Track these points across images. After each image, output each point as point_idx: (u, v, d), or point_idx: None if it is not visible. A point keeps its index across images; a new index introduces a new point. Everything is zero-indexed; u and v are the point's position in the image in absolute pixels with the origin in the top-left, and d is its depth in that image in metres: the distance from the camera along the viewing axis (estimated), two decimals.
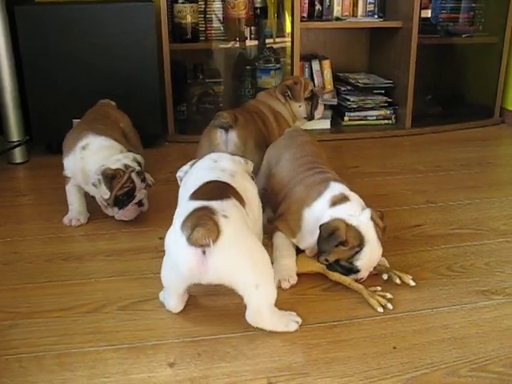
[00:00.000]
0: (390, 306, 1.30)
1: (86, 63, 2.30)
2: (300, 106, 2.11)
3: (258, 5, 2.75)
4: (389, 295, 1.33)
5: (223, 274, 1.13)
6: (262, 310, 1.17)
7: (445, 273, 1.44)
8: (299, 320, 1.23)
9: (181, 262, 1.13)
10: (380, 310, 1.29)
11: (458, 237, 1.64)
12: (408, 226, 1.71)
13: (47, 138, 2.42)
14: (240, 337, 1.19)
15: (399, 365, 1.10)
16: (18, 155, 2.34)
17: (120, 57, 2.32)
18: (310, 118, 2.15)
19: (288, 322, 1.22)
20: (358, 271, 1.34)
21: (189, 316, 1.26)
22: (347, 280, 1.37)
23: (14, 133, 2.30)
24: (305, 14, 2.70)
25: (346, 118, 2.76)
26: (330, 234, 1.30)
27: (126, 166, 1.65)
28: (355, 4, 2.79)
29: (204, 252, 1.09)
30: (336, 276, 1.39)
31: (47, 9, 2.29)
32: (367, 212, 1.34)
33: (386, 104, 2.78)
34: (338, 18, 2.74)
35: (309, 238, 1.40)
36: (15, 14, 2.21)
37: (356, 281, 1.36)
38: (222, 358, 1.12)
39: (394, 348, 1.15)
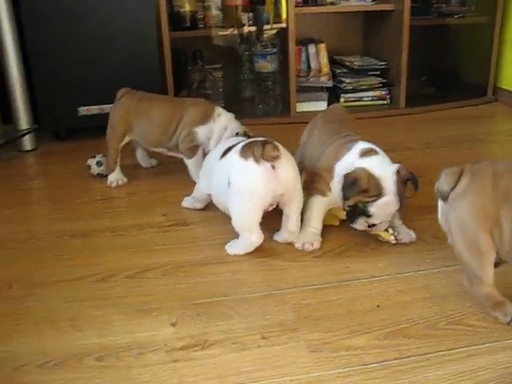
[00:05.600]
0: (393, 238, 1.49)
1: (88, 52, 2.38)
2: None
3: None
4: (391, 230, 1.50)
5: (290, 183, 1.41)
6: (299, 217, 1.49)
7: (429, 240, 1.53)
8: None
9: (259, 180, 1.37)
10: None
11: None
12: None
13: (55, 126, 2.52)
14: (235, 300, 1.29)
15: (381, 320, 1.20)
16: (27, 143, 2.43)
17: (121, 45, 2.40)
18: None
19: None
20: (369, 216, 1.43)
21: (189, 282, 1.37)
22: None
23: (23, 121, 2.39)
24: (300, 0, 2.77)
25: (341, 100, 2.84)
26: (353, 182, 1.40)
27: None
28: None
29: (273, 166, 1.36)
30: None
31: None
32: (395, 166, 1.44)
33: (381, 85, 2.86)
34: (332, 3, 2.81)
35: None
36: (20, 3, 2.28)
37: (369, 226, 1.47)
38: (219, 318, 1.22)
39: (378, 306, 1.25)
